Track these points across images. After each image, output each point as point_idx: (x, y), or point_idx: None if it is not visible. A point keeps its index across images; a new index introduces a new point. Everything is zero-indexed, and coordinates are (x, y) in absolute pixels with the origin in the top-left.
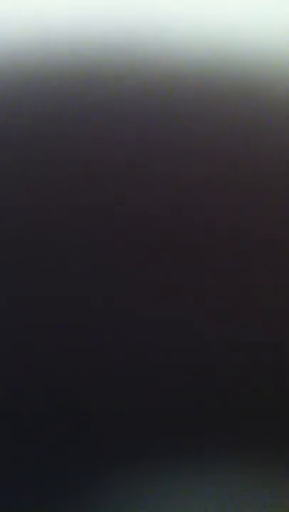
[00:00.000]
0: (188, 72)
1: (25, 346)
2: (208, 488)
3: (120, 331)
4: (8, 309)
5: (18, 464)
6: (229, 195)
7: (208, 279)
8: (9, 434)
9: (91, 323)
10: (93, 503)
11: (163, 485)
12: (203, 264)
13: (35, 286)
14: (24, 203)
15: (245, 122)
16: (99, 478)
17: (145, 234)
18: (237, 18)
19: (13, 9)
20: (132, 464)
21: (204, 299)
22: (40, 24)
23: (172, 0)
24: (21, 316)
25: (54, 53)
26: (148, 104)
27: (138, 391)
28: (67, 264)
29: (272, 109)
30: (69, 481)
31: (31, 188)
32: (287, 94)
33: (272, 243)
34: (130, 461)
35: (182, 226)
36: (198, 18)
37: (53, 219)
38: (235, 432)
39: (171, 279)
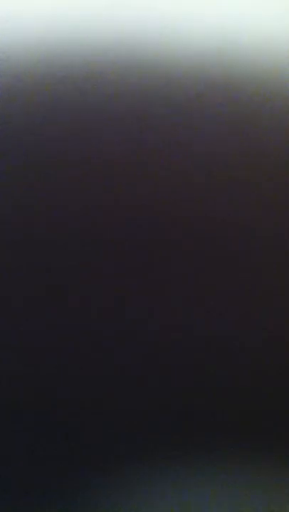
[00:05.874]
0: (189, 71)
1: (26, 346)
2: (208, 489)
3: (120, 331)
4: (8, 310)
5: (17, 465)
6: (229, 194)
7: (208, 277)
8: (9, 433)
9: (91, 323)
10: (93, 503)
11: (163, 485)
12: (204, 263)
13: (36, 287)
14: (24, 203)
15: (245, 121)
16: (98, 479)
17: (145, 233)
18: (237, 17)
19: (13, 9)
20: (132, 465)
21: (205, 298)
22: (40, 23)
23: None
24: (22, 316)
25: (54, 53)
26: (148, 104)
27: (138, 391)
28: (68, 264)
29: (273, 108)
30: (68, 481)
31: (31, 187)
32: (288, 93)
33: (273, 242)
34: (130, 462)
35: (182, 225)
36: (198, 17)
37: (54, 217)
38: (236, 433)
39: (171, 279)
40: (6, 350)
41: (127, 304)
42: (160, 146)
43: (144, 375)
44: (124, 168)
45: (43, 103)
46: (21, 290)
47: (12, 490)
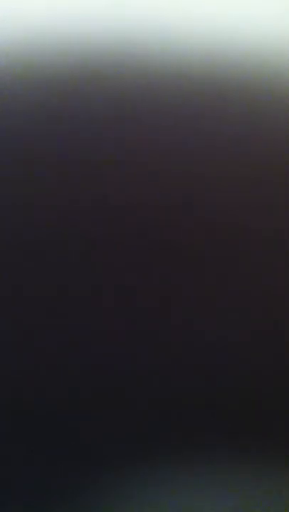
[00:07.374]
0: (188, 71)
1: (26, 346)
2: (208, 489)
3: (120, 330)
4: (8, 310)
5: (17, 465)
6: (229, 194)
7: (209, 278)
8: (9, 433)
9: (91, 322)
10: (93, 503)
11: (163, 485)
12: (204, 264)
13: (36, 287)
14: (24, 201)
15: (245, 121)
16: (98, 479)
17: (144, 233)
18: (237, 17)
19: (12, 8)
20: (132, 465)
21: (205, 298)
22: (40, 23)
23: None
24: (21, 315)
25: (54, 52)
26: (148, 103)
27: (138, 391)
28: (68, 263)
29: (274, 108)
30: (68, 481)
31: (30, 187)
32: (288, 93)
33: (272, 242)
34: (130, 462)
35: (182, 225)
36: (198, 17)
37: (54, 217)
38: (236, 433)
39: (172, 278)
40: (6, 350)
41: (127, 304)
42: (160, 146)
43: (144, 375)
44: (124, 168)
45: (41, 102)
46: (21, 290)
47: (12, 490)
